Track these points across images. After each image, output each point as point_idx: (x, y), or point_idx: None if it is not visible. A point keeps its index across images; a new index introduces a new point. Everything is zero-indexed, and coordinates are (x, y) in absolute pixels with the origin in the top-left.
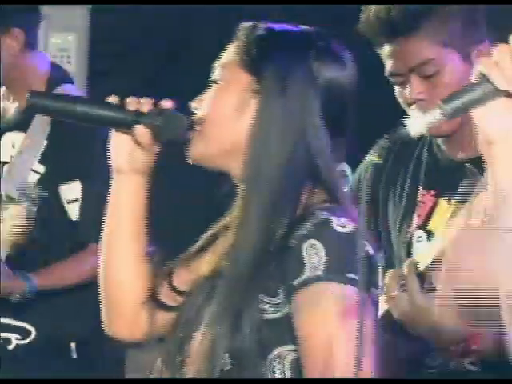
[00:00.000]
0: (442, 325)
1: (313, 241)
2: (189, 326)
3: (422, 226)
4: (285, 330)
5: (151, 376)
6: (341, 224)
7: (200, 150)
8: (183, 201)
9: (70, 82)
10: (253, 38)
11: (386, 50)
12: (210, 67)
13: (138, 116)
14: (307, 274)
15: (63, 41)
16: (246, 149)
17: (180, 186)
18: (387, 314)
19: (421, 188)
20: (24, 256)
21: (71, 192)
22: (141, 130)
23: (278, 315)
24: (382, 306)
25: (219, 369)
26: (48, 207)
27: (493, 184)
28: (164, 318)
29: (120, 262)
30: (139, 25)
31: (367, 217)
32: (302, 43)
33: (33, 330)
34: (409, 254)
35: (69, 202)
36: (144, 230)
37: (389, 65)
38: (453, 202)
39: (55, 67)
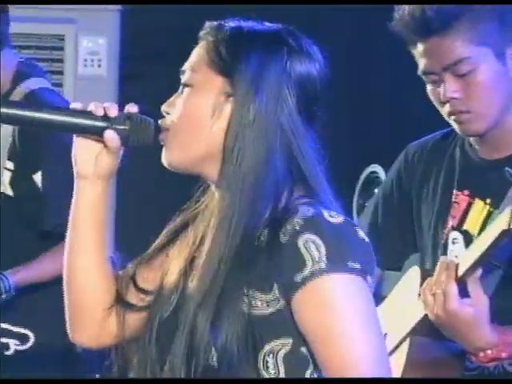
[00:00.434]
0: (473, 330)
1: (308, 235)
2: (166, 325)
3: (458, 227)
4: (276, 325)
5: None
6: (332, 215)
7: (175, 156)
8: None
9: (40, 76)
10: (221, 38)
11: (419, 48)
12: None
13: (106, 121)
14: (309, 268)
15: (94, 44)
16: (223, 152)
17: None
18: (426, 316)
19: (455, 188)
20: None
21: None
22: (111, 135)
23: (269, 311)
24: (421, 310)
25: (204, 364)
26: (27, 200)
27: None
28: (134, 319)
29: (83, 266)
30: (170, 27)
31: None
32: (274, 41)
33: (31, 335)
34: (444, 255)
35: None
36: (107, 233)
37: (422, 63)
38: (488, 201)
39: (24, 63)
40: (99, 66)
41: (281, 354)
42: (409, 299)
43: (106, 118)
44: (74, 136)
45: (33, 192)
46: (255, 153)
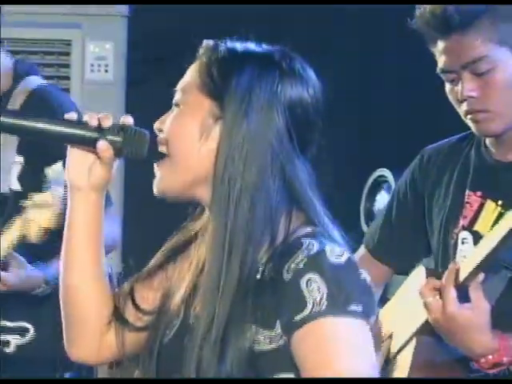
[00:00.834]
0: (472, 336)
1: (311, 275)
2: (167, 350)
3: (468, 228)
4: (278, 361)
5: None
6: (336, 255)
7: (164, 182)
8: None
9: (36, 73)
10: (214, 59)
11: (439, 46)
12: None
13: (100, 131)
14: (309, 309)
15: (101, 49)
16: (214, 176)
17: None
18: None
19: (467, 188)
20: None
21: (58, 173)
22: (104, 146)
23: (272, 346)
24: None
25: None
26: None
27: None
28: (133, 337)
29: (79, 279)
30: (177, 32)
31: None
32: (266, 64)
33: (30, 327)
34: (454, 255)
35: (57, 184)
36: (101, 246)
37: (441, 61)
38: (500, 203)
39: (19, 61)
40: (106, 70)
41: None
42: (415, 298)
43: (99, 128)
44: (69, 147)
45: (41, 186)
46: (246, 176)
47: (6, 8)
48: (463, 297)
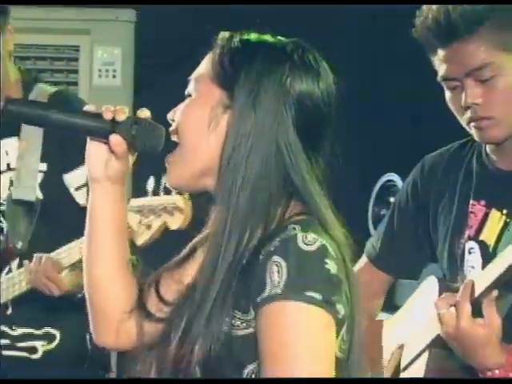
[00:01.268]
0: (482, 350)
1: (276, 257)
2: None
3: (474, 237)
4: (255, 346)
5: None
6: (307, 242)
7: (175, 173)
8: None
9: (42, 81)
10: (227, 50)
11: (440, 54)
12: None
13: (114, 125)
14: (268, 291)
15: (109, 55)
16: (219, 164)
17: None
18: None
19: (471, 198)
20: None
21: (77, 179)
22: (116, 139)
23: (249, 331)
24: (439, 324)
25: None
26: (56, 200)
27: None
28: (152, 328)
29: (103, 270)
30: (184, 37)
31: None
32: (276, 56)
33: (57, 332)
34: (461, 266)
35: (77, 189)
36: (124, 237)
37: (443, 69)
38: (504, 212)
39: (26, 69)
40: (114, 76)
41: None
42: (427, 310)
43: (113, 121)
44: (88, 139)
45: (62, 193)
46: (250, 166)
47: (16, 14)
48: (476, 311)
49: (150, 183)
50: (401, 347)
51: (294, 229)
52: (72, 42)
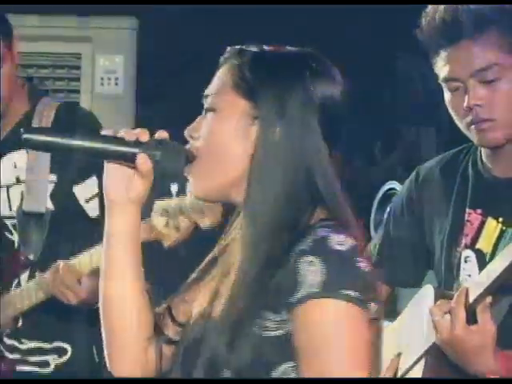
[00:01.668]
0: (477, 357)
1: (310, 257)
2: (188, 357)
3: (471, 246)
4: (288, 348)
5: None
6: (339, 241)
7: (202, 186)
8: None
9: (46, 94)
10: (246, 61)
11: (443, 55)
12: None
13: (138, 146)
14: (304, 290)
15: (111, 62)
16: (248, 175)
17: None
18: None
19: (467, 207)
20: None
21: (87, 190)
22: (143, 159)
23: (280, 332)
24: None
25: None
26: (67, 211)
27: None
28: (170, 353)
29: (121, 294)
30: (186, 45)
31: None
32: (297, 64)
33: (68, 347)
34: (457, 274)
35: (87, 201)
36: (140, 261)
37: (446, 70)
38: (500, 220)
39: (30, 82)
40: (116, 84)
41: (293, 376)
42: (423, 319)
43: (138, 143)
44: (106, 163)
45: (72, 204)
46: (278, 175)
47: (18, 22)
48: (471, 318)
49: (174, 185)
50: (398, 355)
51: (325, 230)
52: (73, 49)
